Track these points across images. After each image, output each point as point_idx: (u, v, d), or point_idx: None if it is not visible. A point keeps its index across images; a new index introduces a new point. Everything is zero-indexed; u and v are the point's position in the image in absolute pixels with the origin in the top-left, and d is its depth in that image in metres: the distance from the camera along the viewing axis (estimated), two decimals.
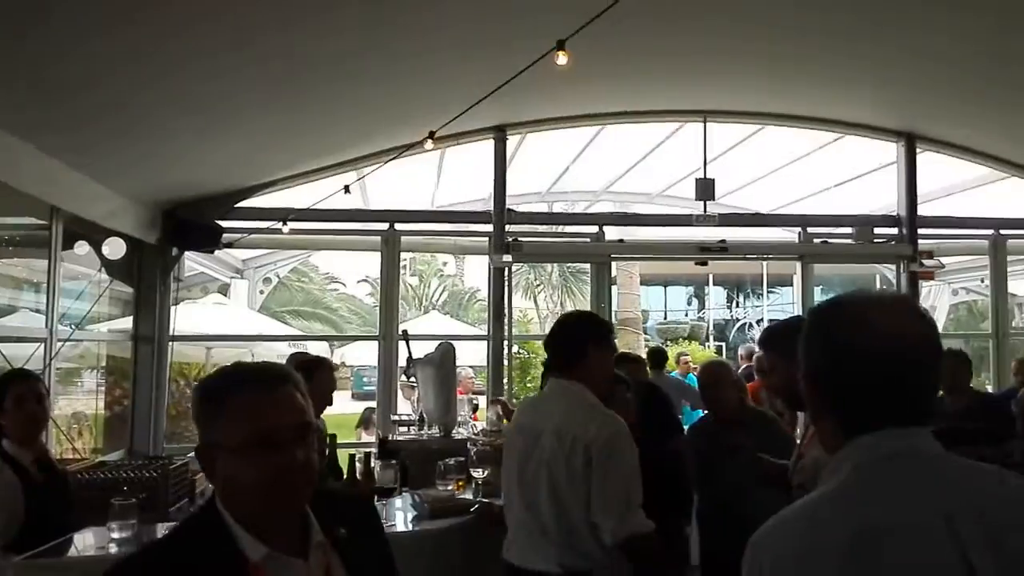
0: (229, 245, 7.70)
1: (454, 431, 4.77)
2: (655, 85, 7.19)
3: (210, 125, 5.68)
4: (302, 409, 1.48)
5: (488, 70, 4.85)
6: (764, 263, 23.28)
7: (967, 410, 4.55)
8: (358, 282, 25.64)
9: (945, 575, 1.13)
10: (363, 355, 12.15)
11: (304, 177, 7.67)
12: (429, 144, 5.19)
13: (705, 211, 7.95)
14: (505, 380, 7.85)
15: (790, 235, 8.76)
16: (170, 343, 7.38)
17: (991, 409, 4.70)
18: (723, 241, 8.04)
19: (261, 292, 11.18)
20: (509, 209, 7.93)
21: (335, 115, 6.31)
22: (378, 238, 7.85)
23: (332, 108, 6.09)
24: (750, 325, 28.65)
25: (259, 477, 1.41)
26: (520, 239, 7.84)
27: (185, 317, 7.69)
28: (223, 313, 9.92)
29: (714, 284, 30.70)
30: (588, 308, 8.99)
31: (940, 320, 11.45)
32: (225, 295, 10.99)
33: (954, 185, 8.83)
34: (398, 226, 7.91)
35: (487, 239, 7.91)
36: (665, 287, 31.28)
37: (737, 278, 29.37)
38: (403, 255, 8.41)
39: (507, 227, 7.84)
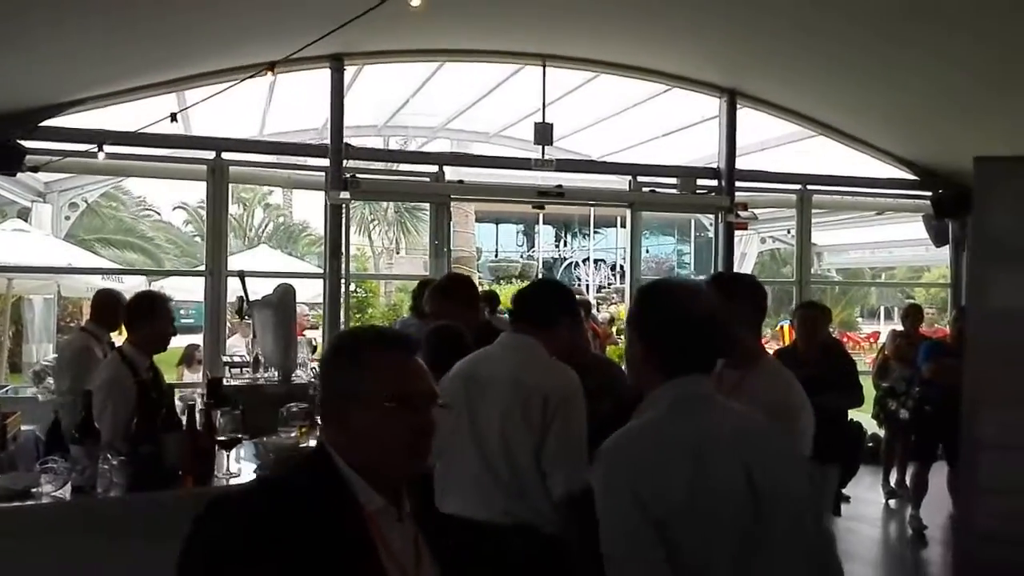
0: (35, 169, 7.07)
1: (293, 375, 4.68)
2: (497, 24, 7.19)
3: (7, 30, 5.09)
4: (431, 378, 1.55)
5: None
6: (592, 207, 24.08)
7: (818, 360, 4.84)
8: (174, 209, 24.29)
9: (735, 482, 1.71)
10: (183, 289, 11.53)
11: (120, 96, 7.14)
12: (268, 76, 4.92)
13: (543, 156, 8.08)
14: (342, 319, 7.76)
15: (621, 182, 9.08)
16: None
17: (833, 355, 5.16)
18: (559, 187, 8.27)
19: (67, 218, 10.32)
20: (347, 144, 7.72)
21: (159, 29, 5.84)
22: (203, 167, 7.45)
23: (156, 21, 5.62)
24: (576, 264, 29.70)
25: (397, 435, 1.46)
26: (358, 176, 7.67)
27: None
28: (25, 240, 9.10)
29: (544, 223, 31.45)
30: (426, 246, 9.01)
31: (748, 266, 12.37)
32: (26, 220, 10.07)
33: (767, 140, 9.45)
34: (226, 155, 7.53)
35: (323, 174, 7.70)
36: (497, 225, 31.75)
37: (566, 218, 30.30)
38: (231, 186, 8.01)
39: (344, 163, 7.62)
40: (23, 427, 5.67)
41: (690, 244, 32.26)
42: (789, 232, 10.90)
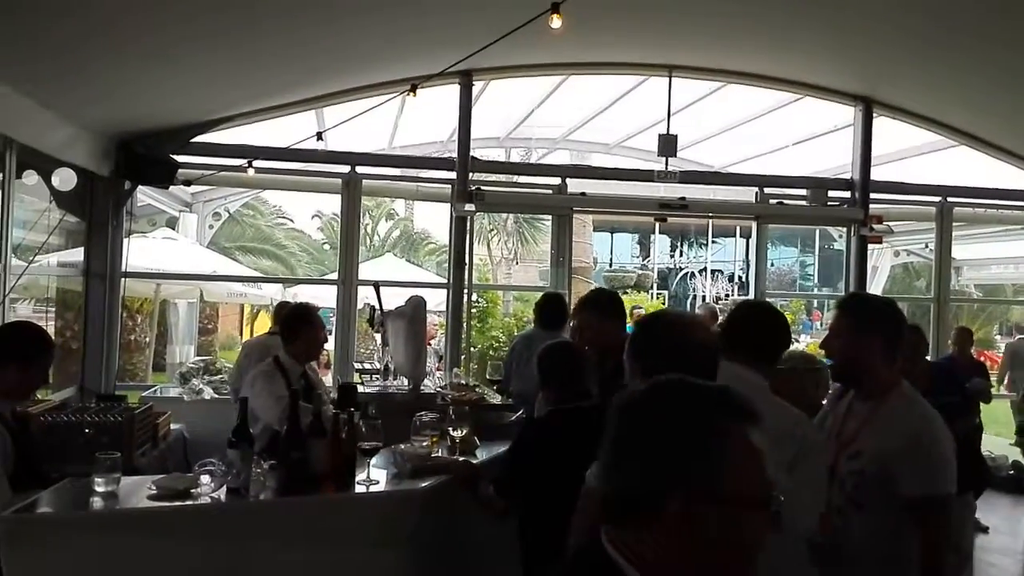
0: (187, 183, 7.49)
1: (422, 384, 4.78)
2: (625, 36, 7.14)
3: (164, 53, 5.44)
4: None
5: (456, 10, 4.66)
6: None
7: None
8: (312, 217, 25.17)
9: None
10: (312, 297, 11.95)
11: (264, 114, 7.47)
12: (411, 96, 5.07)
13: (667, 167, 7.97)
14: (464, 330, 7.86)
15: (746, 193, 8.84)
16: (122, 279, 7.19)
17: (942, 380, 4.82)
18: (683, 199, 8.16)
19: (211, 227, 10.94)
20: (473, 157, 7.85)
21: (296, 50, 6.11)
22: (339, 181, 7.72)
23: (292, 42, 5.87)
24: (692, 275, 29.12)
25: (749, 547, 1.07)
26: (482, 188, 7.77)
27: (135, 251, 7.49)
28: (173, 248, 9.68)
29: (660, 233, 31.02)
30: (543, 256, 9.07)
31: (880, 281, 11.83)
32: (174, 228, 10.71)
33: (905, 150, 9.02)
34: (359, 169, 7.78)
35: (448, 186, 7.83)
36: (612, 234, 31.53)
37: (682, 228, 29.73)
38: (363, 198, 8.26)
39: (471, 175, 7.75)
40: (172, 426, 6.08)
41: (814, 255, 31.13)
42: (927, 246, 10.33)
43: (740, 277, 29.71)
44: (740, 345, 2.40)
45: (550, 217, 8.72)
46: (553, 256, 8.32)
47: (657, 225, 28.73)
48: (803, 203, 8.39)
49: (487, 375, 5.40)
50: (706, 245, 30.87)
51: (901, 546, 2.36)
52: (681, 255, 32.62)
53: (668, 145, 7.87)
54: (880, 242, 8.69)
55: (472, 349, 9.34)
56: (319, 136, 6.03)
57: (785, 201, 8.43)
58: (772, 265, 26.55)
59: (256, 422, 3.62)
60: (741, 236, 29.52)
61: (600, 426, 1.19)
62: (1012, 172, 8.63)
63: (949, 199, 8.68)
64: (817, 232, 28.47)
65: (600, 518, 1.15)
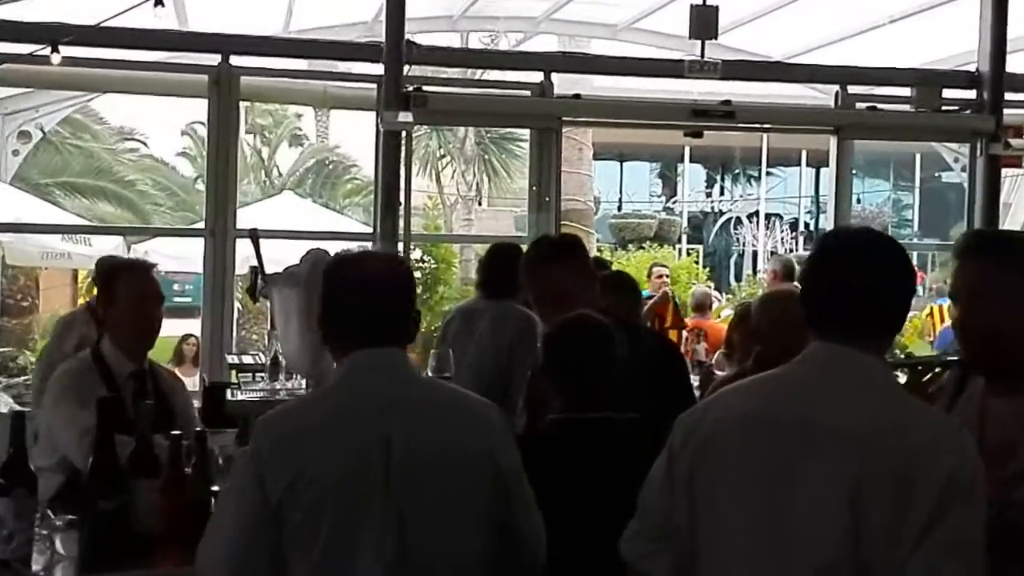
0: None
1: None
2: None
3: None
4: None
5: None
6: (764, 134, 23.56)
7: None
8: (182, 135, 24.79)
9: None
10: (177, 257, 11.74)
11: None
12: None
13: (703, 55, 7.86)
14: None
15: (819, 95, 8.88)
16: None
17: None
18: (727, 102, 8.01)
19: (15, 153, 10.61)
20: (409, 42, 7.63)
21: None
22: (204, 78, 7.51)
23: None
24: (739, 220, 29.15)
25: None
26: (425, 90, 7.60)
27: None
28: None
29: (691, 161, 30.95)
30: (519, 194, 8.97)
31: (1016, 225, 11.70)
32: None
33: None
34: (235, 60, 7.54)
35: (374, 87, 7.65)
36: (621, 163, 31.46)
37: (722, 154, 29.75)
38: (243, 105, 8.33)
39: (406, 70, 7.54)
40: None
41: (913, 191, 31.27)
42: None
43: (807, 224, 29.85)
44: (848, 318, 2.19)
45: (528, 135, 8.60)
46: (533, 194, 8.22)
47: (688, 148, 28.78)
48: (906, 108, 8.36)
49: (429, 368, 5.20)
50: (758, 178, 30.94)
51: None
52: (722, 192, 32.70)
53: (705, 21, 7.75)
54: (1020, 165, 8.56)
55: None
56: (159, 1, 5.70)
57: (879, 106, 8.40)
58: (858, 202, 26.56)
59: (52, 454, 3.47)
60: (808, 165, 29.67)
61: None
62: None
63: None
64: (918, 158, 28.59)
65: None
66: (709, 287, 14.78)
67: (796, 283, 5.39)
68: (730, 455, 2.17)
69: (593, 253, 8.41)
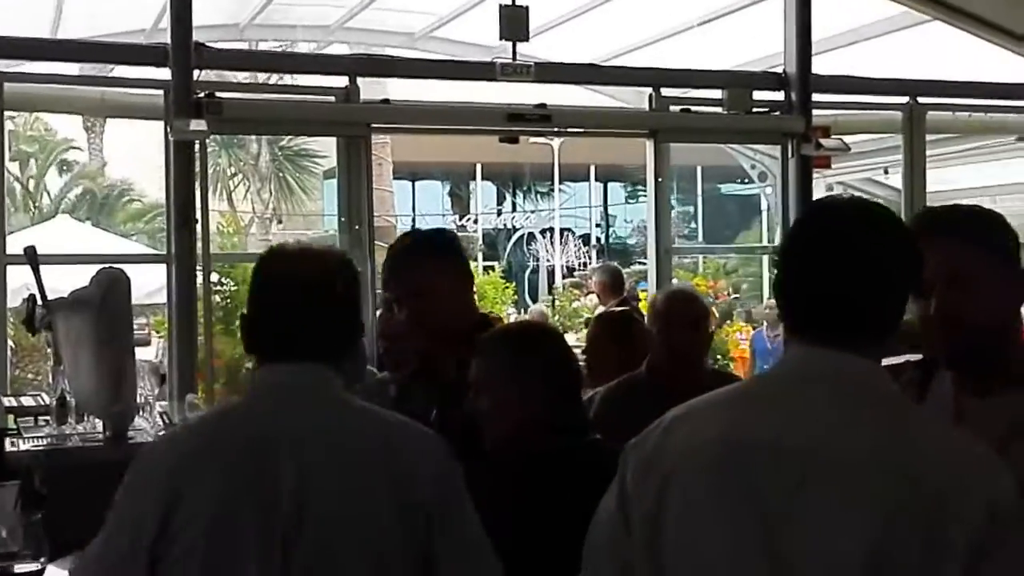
0: None
1: (131, 430, 4.05)
2: None
3: None
4: None
5: None
6: (555, 146, 23.83)
7: None
8: None
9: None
10: None
11: None
12: None
13: (514, 57, 7.79)
14: (201, 325, 7.49)
15: (630, 99, 8.96)
16: None
17: None
18: (543, 106, 7.98)
19: None
20: (198, 43, 7.28)
21: None
22: None
23: None
24: (533, 236, 29.40)
25: None
26: (218, 95, 7.29)
27: None
28: None
29: (482, 178, 31.14)
30: (315, 213, 8.75)
31: None
32: None
33: (852, 30, 9.17)
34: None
35: (161, 92, 7.26)
36: (413, 182, 31.39)
37: (513, 170, 29.95)
38: (7, 116, 7.94)
39: (196, 74, 7.25)
40: None
41: (695, 201, 32.21)
42: (886, 172, 10.62)
43: (598, 238, 30.35)
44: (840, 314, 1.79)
45: (335, 144, 8.43)
46: (341, 209, 8.00)
47: (478, 167, 28.88)
48: (719, 111, 8.45)
49: None
50: (547, 194, 31.27)
51: None
52: (513, 208, 32.93)
53: (515, 22, 7.71)
54: (829, 165, 8.80)
55: (219, 360, 9.10)
56: None
57: (693, 108, 8.56)
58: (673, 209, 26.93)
59: None
60: (597, 179, 30.13)
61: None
62: (1007, 58, 8.98)
63: (920, 99, 8.85)
64: (699, 171, 29.49)
65: None
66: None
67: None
68: (707, 495, 1.69)
69: None
